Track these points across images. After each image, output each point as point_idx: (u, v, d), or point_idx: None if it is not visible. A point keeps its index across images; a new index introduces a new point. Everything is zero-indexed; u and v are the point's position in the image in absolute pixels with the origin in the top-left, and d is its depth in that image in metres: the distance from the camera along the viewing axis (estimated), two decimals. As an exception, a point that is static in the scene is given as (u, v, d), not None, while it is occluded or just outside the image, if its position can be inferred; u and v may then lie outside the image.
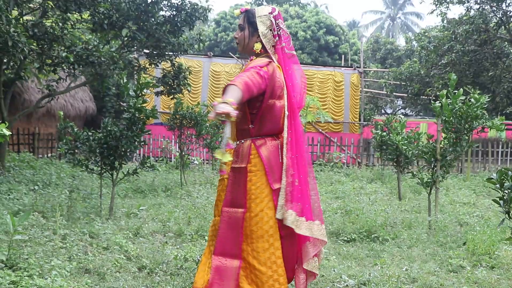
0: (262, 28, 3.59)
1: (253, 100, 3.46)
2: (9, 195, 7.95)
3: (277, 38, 3.61)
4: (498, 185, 3.83)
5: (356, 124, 20.34)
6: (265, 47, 3.60)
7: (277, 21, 3.61)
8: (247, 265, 3.54)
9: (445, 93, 7.20)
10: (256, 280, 3.50)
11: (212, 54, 20.34)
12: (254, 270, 3.51)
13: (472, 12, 17.79)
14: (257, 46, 3.61)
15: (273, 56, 3.60)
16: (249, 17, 3.64)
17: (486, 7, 17.48)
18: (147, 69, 12.86)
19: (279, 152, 3.62)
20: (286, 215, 3.54)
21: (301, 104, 3.71)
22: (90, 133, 7.32)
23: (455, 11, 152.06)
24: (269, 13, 3.62)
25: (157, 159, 16.47)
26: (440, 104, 7.26)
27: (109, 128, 7.09)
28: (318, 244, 3.71)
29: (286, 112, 3.57)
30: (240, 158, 3.60)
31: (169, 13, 11.63)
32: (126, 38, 10.94)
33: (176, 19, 11.41)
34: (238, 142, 3.64)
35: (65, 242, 5.38)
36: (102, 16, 10.27)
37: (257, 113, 3.57)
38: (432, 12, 18.42)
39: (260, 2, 37.21)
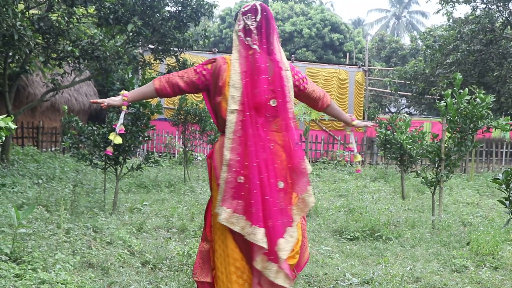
0: (236, 26, 3.60)
1: (210, 97, 3.63)
2: (13, 188, 7.97)
3: (240, 33, 3.55)
4: (504, 186, 3.82)
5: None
6: (235, 43, 3.58)
7: (244, 17, 3.56)
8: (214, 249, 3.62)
9: (450, 92, 7.18)
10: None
11: (217, 50, 20.34)
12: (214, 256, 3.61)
13: (478, 12, 17.72)
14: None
15: (235, 52, 3.54)
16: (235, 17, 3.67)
17: (492, 7, 17.41)
18: (152, 65, 12.87)
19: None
20: (220, 211, 3.42)
21: (262, 100, 3.47)
22: (94, 128, 7.33)
23: (461, 11, 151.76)
24: (240, 10, 3.62)
25: (160, 154, 16.48)
26: (445, 103, 7.24)
27: (113, 123, 7.09)
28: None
29: (232, 107, 3.40)
30: None
31: (175, 9, 11.63)
32: (131, 33, 10.94)
33: (181, 14, 11.41)
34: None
35: (69, 236, 5.39)
36: (108, 11, 10.28)
37: (211, 110, 3.67)
38: (438, 12, 18.36)
39: (265, -1, 37.19)
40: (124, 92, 3.66)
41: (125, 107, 3.68)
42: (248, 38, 3.52)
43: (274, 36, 3.58)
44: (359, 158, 4.13)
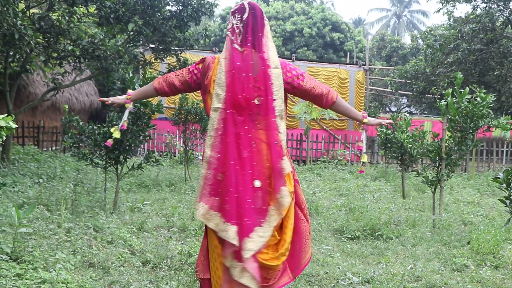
0: (227, 25, 3.64)
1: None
2: (14, 187, 7.98)
3: (229, 32, 3.57)
4: (504, 185, 3.83)
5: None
6: (225, 42, 3.60)
7: (232, 16, 3.58)
8: None
9: (450, 91, 7.18)
10: None
11: (217, 49, 20.33)
12: None
13: (478, 11, 17.72)
14: None
15: (224, 51, 3.55)
16: None
17: (492, 6, 17.41)
18: (153, 64, 12.87)
19: None
20: (197, 206, 3.44)
21: (243, 97, 3.44)
22: (95, 127, 7.33)
23: (462, 10, 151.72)
24: (231, 10, 3.64)
25: (161, 154, 16.47)
26: (445, 102, 7.24)
27: (114, 123, 7.10)
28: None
29: (216, 105, 3.43)
30: None
31: (175, 8, 11.62)
32: (132, 33, 10.94)
33: (182, 14, 11.39)
34: None
35: (69, 236, 5.39)
36: (109, 10, 10.27)
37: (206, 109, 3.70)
38: (438, 11, 18.36)
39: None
40: (128, 91, 3.98)
41: (129, 104, 3.94)
42: (233, 38, 3.54)
43: (263, 34, 3.55)
44: (365, 158, 3.96)
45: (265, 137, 3.44)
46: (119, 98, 3.98)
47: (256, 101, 3.43)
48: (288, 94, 3.70)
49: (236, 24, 3.54)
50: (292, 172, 3.61)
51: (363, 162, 3.90)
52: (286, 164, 3.45)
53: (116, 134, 3.97)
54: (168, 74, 3.81)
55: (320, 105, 3.73)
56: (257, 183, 3.39)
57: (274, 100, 3.44)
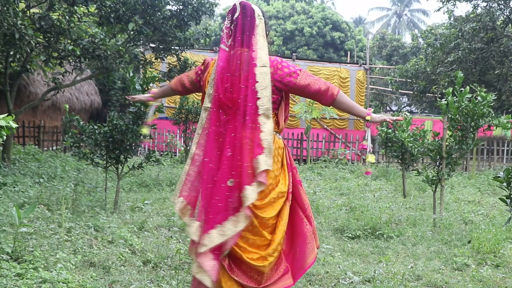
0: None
1: None
2: (14, 187, 7.98)
3: (222, 33, 3.61)
4: (505, 184, 3.82)
5: (361, 120, 20.30)
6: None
7: (227, 17, 3.60)
8: None
9: (451, 90, 7.17)
10: None
11: (217, 49, 20.28)
12: None
13: (479, 10, 17.72)
14: None
15: (219, 51, 3.58)
16: None
17: (493, 5, 17.40)
18: (153, 63, 12.86)
19: None
20: (176, 201, 3.51)
21: (222, 94, 3.48)
22: (95, 127, 7.33)
23: (462, 9, 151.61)
24: None
25: (162, 153, 16.47)
26: (446, 101, 7.24)
27: (114, 122, 7.09)
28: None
29: (206, 104, 3.51)
30: None
31: (176, 8, 11.63)
32: (132, 32, 10.94)
33: (182, 13, 11.40)
34: None
35: (70, 235, 5.39)
36: (109, 10, 10.28)
37: None
38: (439, 10, 18.37)
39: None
40: (152, 89, 4.41)
41: (152, 102, 4.35)
42: (224, 37, 3.56)
43: (252, 32, 3.52)
44: (371, 158, 3.74)
45: (249, 135, 3.42)
46: (144, 96, 4.44)
47: (241, 100, 3.43)
48: (290, 94, 3.68)
49: (227, 24, 3.56)
50: (293, 173, 3.62)
51: (370, 163, 3.79)
52: (261, 163, 3.37)
53: (145, 131, 4.50)
54: (183, 74, 4.01)
55: (321, 102, 3.62)
56: (229, 182, 3.36)
57: (259, 98, 3.41)
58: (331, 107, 3.92)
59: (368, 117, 3.60)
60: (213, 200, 3.37)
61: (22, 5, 9.33)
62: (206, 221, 3.36)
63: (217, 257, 3.35)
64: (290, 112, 3.82)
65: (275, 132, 3.59)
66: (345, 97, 3.58)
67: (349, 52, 29.96)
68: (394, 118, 3.68)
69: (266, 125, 3.42)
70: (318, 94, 3.53)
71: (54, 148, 15.83)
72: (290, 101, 3.83)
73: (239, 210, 3.37)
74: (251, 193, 3.31)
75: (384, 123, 3.51)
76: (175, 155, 16.51)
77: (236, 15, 3.55)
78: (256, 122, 3.41)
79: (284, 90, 3.56)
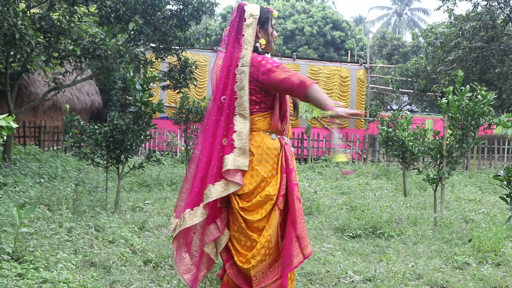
0: None
1: None
2: (15, 187, 7.98)
3: (223, 34, 3.72)
4: (505, 182, 3.82)
5: (362, 120, 20.31)
6: None
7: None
8: None
9: (451, 89, 7.17)
10: None
11: (218, 48, 20.29)
12: None
13: (479, 9, 17.70)
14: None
15: (218, 53, 3.75)
16: None
17: (493, 4, 17.38)
18: (154, 63, 12.86)
19: None
20: (172, 221, 3.71)
21: (215, 95, 3.58)
22: (96, 127, 7.33)
23: (462, 7, 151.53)
24: None
25: (162, 153, 16.48)
26: (446, 100, 7.23)
27: (115, 122, 7.09)
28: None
29: (209, 105, 3.66)
30: None
31: (176, 7, 11.62)
32: (132, 32, 10.94)
33: (182, 13, 11.39)
34: None
35: (71, 235, 5.39)
36: (109, 10, 10.28)
37: None
38: (439, 9, 18.35)
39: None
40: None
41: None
42: (223, 39, 3.68)
43: (242, 33, 3.57)
44: (342, 158, 3.66)
45: (223, 134, 3.49)
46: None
47: (222, 99, 3.50)
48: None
49: (226, 26, 3.67)
50: (287, 176, 3.57)
51: (342, 162, 3.75)
52: (226, 162, 3.41)
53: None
54: None
55: (297, 97, 3.60)
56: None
57: (236, 99, 3.46)
58: (306, 102, 3.88)
59: (329, 112, 3.32)
60: (193, 192, 3.54)
61: (22, 5, 9.33)
62: (178, 210, 3.62)
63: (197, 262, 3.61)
64: (290, 111, 3.79)
65: (268, 133, 3.58)
66: (317, 92, 3.39)
67: (349, 51, 29.93)
68: (357, 111, 3.43)
69: (240, 125, 3.46)
70: (292, 89, 3.43)
71: (55, 148, 15.83)
72: (291, 100, 3.80)
73: (198, 205, 3.48)
74: (212, 191, 3.41)
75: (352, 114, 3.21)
76: (176, 155, 16.52)
77: (232, 16, 3.64)
78: (231, 121, 3.47)
79: (264, 88, 3.51)
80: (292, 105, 3.80)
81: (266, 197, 3.45)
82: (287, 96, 3.68)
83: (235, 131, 3.43)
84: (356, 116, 3.43)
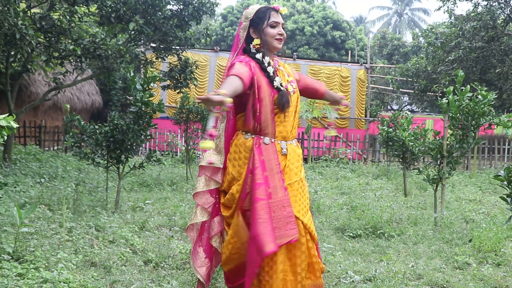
0: None
1: None
2: (15, 187, 7.98)
3: None
4: (506, 182, 3.82)
5: (362, 120, 20.31)
6: None
7: None
8: None
9: (452, 89, 7.17)
10: None
11: (218, 48, 20.32)
12: None
13: (479, 9, 17.69)
14: None
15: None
16: None
17: (493, 4, 17.37)
18: (154, 63, 12.86)
19: None
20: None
21: None
22: (96, 127, 7.33)
23: (463, 8, 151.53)
24: None
25: (163, 153, 16.48)
26: (447, 100, 7.23)
27: (115, 122, 7.09)
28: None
29: None
30: None
31: (176, 7, 11.61)
32: (133, 32, 10.93)
33: (183, 13, 11.38)
34: None
35: (71, 235, 5.39)
36: (110, 10, 10.28)
37: None
38: (439, 9, 18.33)
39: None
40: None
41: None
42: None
43: (238, 36, 3.66)
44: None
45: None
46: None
47: None
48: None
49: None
50: (252, 180, 3.45)
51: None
52: (202, 159, 3.68)
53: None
54: None
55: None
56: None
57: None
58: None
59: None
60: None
61: (22, 5, 9.32)
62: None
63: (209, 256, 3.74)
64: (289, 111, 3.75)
65: (244, 132, 3.60)
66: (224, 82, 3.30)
67: (350, 51, 29.94)
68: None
69: (220, 126, 3.71)
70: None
71: (55, 148, 15.82)
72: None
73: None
74: (199, 184, 3.65)
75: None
76: (176, 155, 16.52)
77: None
78: (216, 121, 3.66)
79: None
80: (276, 106, 3.62)
81: (232, 196, 3.54)
82: (263, 96, 3.52)
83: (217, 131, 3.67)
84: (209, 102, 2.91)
